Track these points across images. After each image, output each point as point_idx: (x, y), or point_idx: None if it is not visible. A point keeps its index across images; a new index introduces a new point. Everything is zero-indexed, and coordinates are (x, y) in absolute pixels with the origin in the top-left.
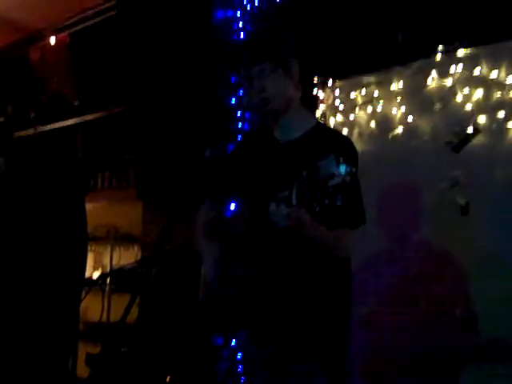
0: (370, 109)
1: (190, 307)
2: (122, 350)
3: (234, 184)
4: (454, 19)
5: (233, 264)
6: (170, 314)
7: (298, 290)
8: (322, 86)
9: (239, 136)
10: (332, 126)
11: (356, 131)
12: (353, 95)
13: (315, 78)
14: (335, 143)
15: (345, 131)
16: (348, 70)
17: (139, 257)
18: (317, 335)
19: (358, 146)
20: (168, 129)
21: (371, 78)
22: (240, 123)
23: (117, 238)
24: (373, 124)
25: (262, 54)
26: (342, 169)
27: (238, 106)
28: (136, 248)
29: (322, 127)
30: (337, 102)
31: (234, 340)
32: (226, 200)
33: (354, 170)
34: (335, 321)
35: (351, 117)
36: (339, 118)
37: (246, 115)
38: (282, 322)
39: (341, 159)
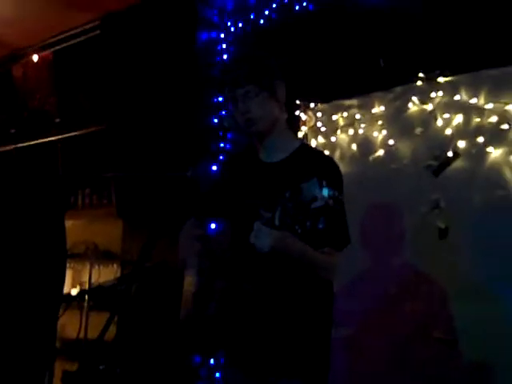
0: (351, 131)
1: (168, 326)
2: (100, 367)
3: (218, 203)
4: (435, 47)
5: (214, 280)
6: (148, 332)
7: (279, 308)
8: (305, 108)
9: (221, 156)
10: None
11: (337, 153)
12: (335, 118)
13: (297, 101)
14: (320, 165)
15: (326, 153)
16: (330, 93)
17: (118, 274)
18: (296, 352)
19: (340, 167)
20: (149, 147)
21: (353, 102)
22: (222, 143)
23: (96, 255)
24: (354, 146)
25: (246, 77)
26: (325, 192)
27: (220, 126)
28: (115, 265)
29: (307, 148)
30: (319, 123)
31: (211, 359)
32: (210, 219)
33: (336, 193)
34: (315, 339)
35: (333, 139)
36: (321, 139)
37: (228, 135)
38: (262, 339)
39: (324, 182)
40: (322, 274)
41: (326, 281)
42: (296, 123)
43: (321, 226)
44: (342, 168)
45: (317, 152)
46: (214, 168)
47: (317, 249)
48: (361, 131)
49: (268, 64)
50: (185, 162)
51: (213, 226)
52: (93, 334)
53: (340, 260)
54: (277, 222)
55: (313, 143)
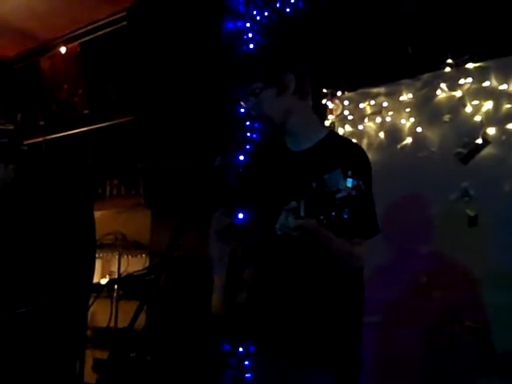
0: (378, 119)
1: (198, 315)
2: (130, 355)
3: (247, 193)
4: (464, 32)
5: (244, 269)
6: (177, 321)
7: (308, 297)
8: (332, 96)
9: (248, 145)
10: None
11: (365, 141)
12: (362, 106)
13: (324, 89)
14: (345, 155)
15: (354, 141)
16: (357, 81)
17: (147, 264)
18: (328, 342)
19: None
20: (177, 138)
21: (380, 90)
22: (249, 133)
23: (125, 245)
24: (382, 134)
25: (250, 76)
26: (349, 182)
27: (246, 116)
28: (144, 255)
29: (334, 137)
30: (346, 112)
31: (240, 347)
32: (239, 208)
33: (360, 183)
34: (346, 328)
35: (360, 127)
36: (348, 128)
37: (255, 125)
38: (292, 327)
39: (349, 173)
40: (351, 262)
41: (356, 268)
42: (323, 112)
43: (346, 217)
44: (370, 156)
45: (344, 141)
46: (241, 158)
47: (346, 236)
48: (388, 119)
49: (275, 59)
50: (212, 152)
51: (240, 215)
52: (123, 322)
53: (368, 249)
54: (302, 213)
55: (340, 131)
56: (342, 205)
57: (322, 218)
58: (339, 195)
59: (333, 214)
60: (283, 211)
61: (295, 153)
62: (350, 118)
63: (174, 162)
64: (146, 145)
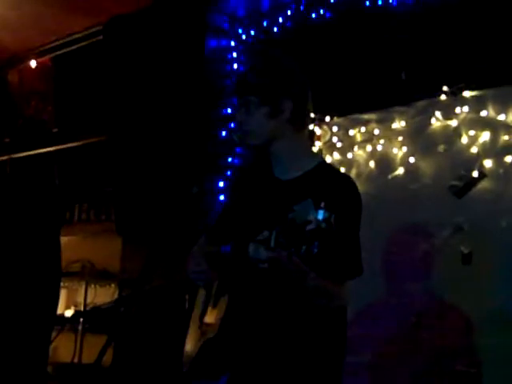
0: (369, 148)
1: (170, 351)
2: None
3: (227, 220)
4: (461, 59)
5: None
6: (148, 358)
7: (284, 334)
8: (320, 122)
9: (229, 171)
10: None
11: (354, 171)
12: (352, 133)
13: (312, 114)
14: (328, 185)
15: (342, 170)
16: (347, 106)
17: (116, 295)
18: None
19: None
20: (152, 161)
21: (372, 116)
22: (230, 158)
23: (92, 274)
24: (372, 164)
25: (249, 87)
26: (320, 214)
27: (228, 140)
28: (113, 286)
29: (325, 168)
30: (334, 139)
31: None
32: (219, 238)
33: (332, 217)
34: (326, 369)
35: (349, 155)
36: (336, 156)
37: (237, 149)
38: (268, 365)
39: (322, 204)
40: (330, 300)
41: (336, 307)
42: (310, 138)
43: (315, 250)
44: (359, 187)
45: (333, 172)
46: (221, 184)
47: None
48: (379, 148)
49: (278, 77)
50: (190, 178)
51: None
52: (88, 358)
53: (356, 285)
54: (272, 243)
55: (328, 160)
56: (312, 238)
57: (292, 250)
58: (309, 227)
59: (303, 246)
60: (253, 242)
61: (281, 181)
62: (339, 145)
63: (148, 187)
64: (119, 167)
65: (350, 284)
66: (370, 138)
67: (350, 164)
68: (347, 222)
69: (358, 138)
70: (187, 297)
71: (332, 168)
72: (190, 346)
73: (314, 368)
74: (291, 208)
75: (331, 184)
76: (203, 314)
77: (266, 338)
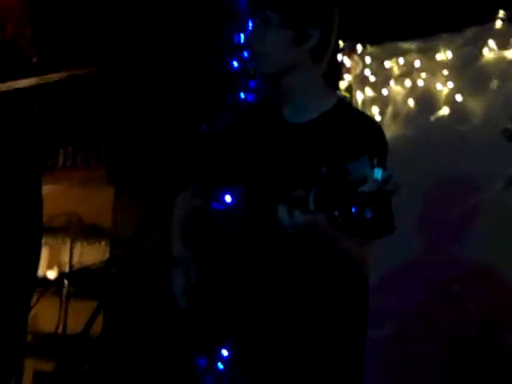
0: (408, 83)
1: (168, 319)
2: (83, 369)
3: (232, 170)
4: None
5: (221, 267)
6: (144, 328)
7: (300, 304)
8: (350, 51)
9: (237, 111)
10: (359, 102)
11: (389, 110)
12: (388, 65)
13: (340, 42)
14: (366, 136)
15: (375, 110)
16: (383, 33)
17: (107, 255)
18: (322, 361)
19: (392, 129)
20: (151, 95)
21: (412, 45)
22: (243, 93)
23: (80, 230)
24: (411, 102)
25: (274, 4)
26: (378, 174)
27: (241, 71)
28: (104, 244)
29: (345, 108)
30: (367, 72)
31: (220, 363)
32: (218, 189)
33: (389, 174)
34: (345, 344)
35: (384, 92)
36: (369, 92)
37: (251, 83)
38: (279, 342)
39: (375, 160)
40: (356, 267)
41: (362, 275)
42: (337, 70)
43: (369, 215)
44: (395, 129)
45: (357, 114)
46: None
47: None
48: (421, 83)
49: (310, 3)
50: (197, 116)
51: (228, 198)
52: (74, 327)
53: (385, 244)
54: (311, 206)
55: (359, 97)
56: (368, 201)
57: (336, 214)
58: (364, 188)
59: (353, 210)
60: (281, 205)
61: (294, 125)
62: (372, 79)
63: (146, 127)
64: (111, 103)
65: (377, 246)
66: (409, 72)
67: (384, 102)
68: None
69: (396, 70)
70: None
71: (352, 108)
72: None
73: (334, 346)
74: (325, 159)
75: (361, 131)
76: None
77: (284, 309)
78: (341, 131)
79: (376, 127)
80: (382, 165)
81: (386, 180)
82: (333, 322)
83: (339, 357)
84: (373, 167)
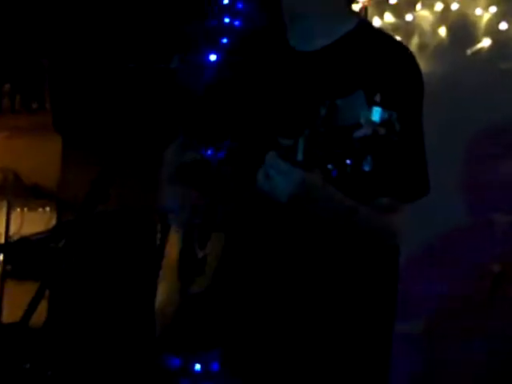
0: (439, 6)
1: (131, 307)
2: (23, 366)
3: (219, 114)
4: None
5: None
6: (100, 317)
7: (305, 290)
8: None
9: (226, 38)
10: None
11: (415, 41)
12: None
13: None
14: (380, 64)
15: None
16: None
17: (54, 223)
18: (336, 362)
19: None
20: (110, 19)
21: None
22: (228, 17)
23: (18, 190)
24: (443, 31)
25: None
26: (376, 114)
27: None
28: (48, 209)
29: (367, 32)
30: None
31: (198, 363)
32: (209, 139)
33: (394, 116)
34: (366, 342)
35: (408, 17)
36: (389, 18)
37: (238, 5)
38: (281, 336)
39: (377, 97)
40: (377, 239)
41: (389, 248)
42: None
43: (367, 168)
44: (423, 66)
45: (382, 38)
46: (214, 57)
47: (365, 201)
48: (455, 7)
49: None
50: (168, 47)
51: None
52: (11, 315)
53: (412, 215)
54: (300, 156)
55: (375, 23)
56: (363, 149)
57: (329, 167)
58: (358, 133)
59: (347, 161)
60: (268, 153)
61: (301, 54)
62: (392, 1)
63: (103, 60)
64: (59, 29)
65: (407, 211)
66: None
67: (409, 31)
68: (410, 120)
69: None
70: (159, 228)
71: (378, 32)
72: (163, 300)
73: (354, 337)
74: (325, 97)
75: (377, 59)
76: (184, 257)
77: (287, 300)
78: (357, 60)
79: (403, 53)
80: (389, 103)
81: (385, 122)
82: (351, 312)
83: (360, 355)
84: (371, 105)
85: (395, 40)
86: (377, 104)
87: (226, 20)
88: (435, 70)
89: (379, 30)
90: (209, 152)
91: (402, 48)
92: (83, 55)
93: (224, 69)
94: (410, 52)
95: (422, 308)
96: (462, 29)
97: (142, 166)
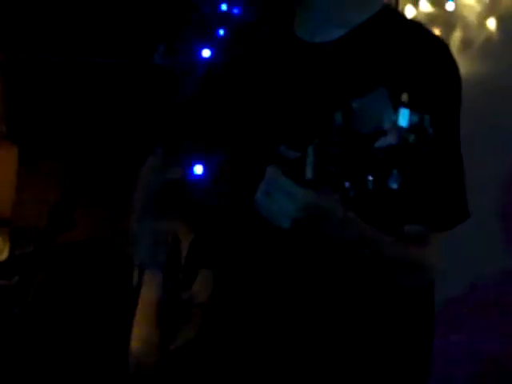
0: None
1: (102, 353)
2: None
3: (212, 120)
4: None
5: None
6: (63, 367)
7: (316, 346)
8: None
9: (221, 29)
10: None
11: (457, 36)
12: None
13: None
14: (408, 58)
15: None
16: None
17: (6, 254)
18: None
19: (460, 64)
20: (78, 8)
21: None
22: (225, 4)
23: None
24: (492, 23)
25: None
26: (403, 117)
27: None
28: (1, 238)
29: (392, 19)
30: None
31: None
32: (193, 152)
33: (427, 120)
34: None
35: (449, 7)
36: (424, 6)
37: None
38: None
39: (403, 97)
40: (406, 278)
41: (422, 286)
42: None
43: (394, 186)
44: (466, 65)
45: (409, 27)
46: (207, 53)
47: (390, 229)
48: None
49: None
50: (151, 40)
51: (199, 168)
52: None
53: (458, 240)
54: (309, 174)
55: (408, 13)
56: (387, 162)
57: (346, 185)
58: (382, 142)
59: (368, 178)
60: (268, 167)
61: (311, 46)
62: None
63: (69, 55)
64: (16, 20)
65: (442, 240)
66: None
67: (449, 23)
68: (446, 125)
69: None
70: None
71: (404, 19)
72: (138, 348)
73: None
74: (338, 101)
75: (405, 52)
76: (165, 300)
77: (301, 355)
78: (381, 53)
79: (436, 45)
80: (420, 104)
81: (415, 127)
82: (373, 373)
83: None
84: (397, 106)
85: (424, 27)
86: (404, 105)
87: (223, 7)
88: (481, 70)
89: (405, 17)
90: (196, 168)
91: (432, 37)
92: (41, 53)
93: (218, 64)
94: (443, 41)
95: (463, 367)
96: None
97: (114, 186)
